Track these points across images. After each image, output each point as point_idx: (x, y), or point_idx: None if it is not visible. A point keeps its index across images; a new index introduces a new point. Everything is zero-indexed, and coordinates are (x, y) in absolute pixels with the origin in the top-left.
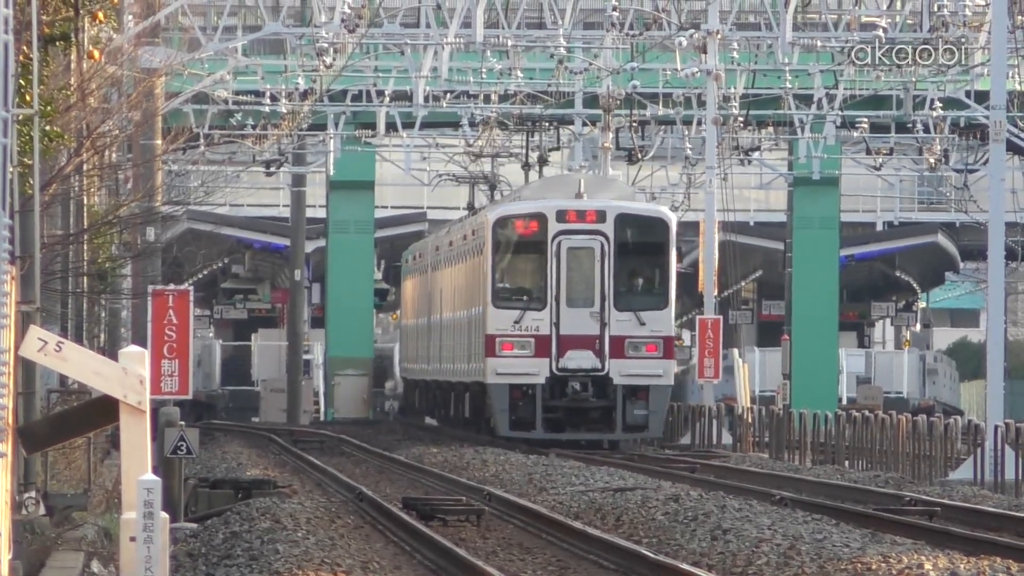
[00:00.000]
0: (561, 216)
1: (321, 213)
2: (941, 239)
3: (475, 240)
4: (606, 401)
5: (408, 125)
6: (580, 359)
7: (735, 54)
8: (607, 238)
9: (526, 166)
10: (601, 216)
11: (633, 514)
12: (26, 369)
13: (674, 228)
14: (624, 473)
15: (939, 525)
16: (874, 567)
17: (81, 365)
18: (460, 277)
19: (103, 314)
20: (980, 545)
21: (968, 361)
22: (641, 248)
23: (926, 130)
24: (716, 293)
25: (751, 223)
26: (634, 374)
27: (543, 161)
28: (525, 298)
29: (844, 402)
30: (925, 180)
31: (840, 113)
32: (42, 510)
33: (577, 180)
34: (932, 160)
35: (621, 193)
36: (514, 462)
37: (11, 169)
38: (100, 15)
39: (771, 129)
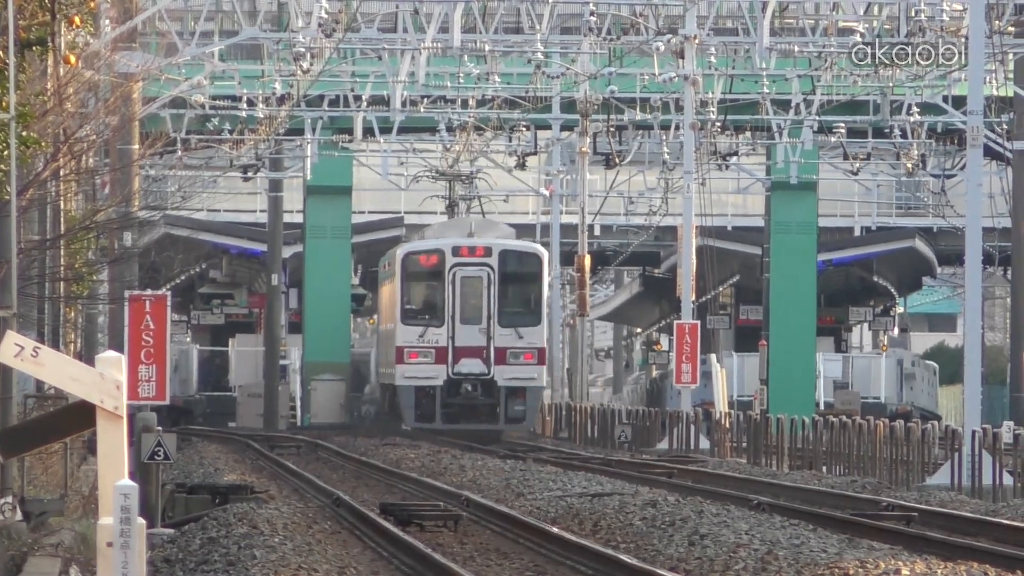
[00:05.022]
0: (456, 251)
1: (298, 218)
2: (918, 244)
3: (391, 269)
4: (492, 399)
5: (385, 130)
6: (471, 366)
7: (712, 59)
8: (492, 269)
9: (450, 207)
10: (488, 251)
11: (611, 519)
12: (2, 374)
13: (546, 261)
14: (601, 478)
15: (916, 530)
16: (851, 572)
17: (58, 370)
18: (383, 297)
19: (80, 319)
20: (957, 550)
21: (945, 366)
22: (519, 277)
23: (903, 135)
24: (694, 298)
25: (729, 228)
26: (514, 377)
27: (457, 207)
28: (427, 316)
29: (822, 407)
30: (902, 185)
31: (817, 118)
32: (19, 515)
33: (469, 223)
34: (909, 165)
35: (504, 233)
36: (491, 467)
37: None
38: (77, 20)
39: (749, 134)
